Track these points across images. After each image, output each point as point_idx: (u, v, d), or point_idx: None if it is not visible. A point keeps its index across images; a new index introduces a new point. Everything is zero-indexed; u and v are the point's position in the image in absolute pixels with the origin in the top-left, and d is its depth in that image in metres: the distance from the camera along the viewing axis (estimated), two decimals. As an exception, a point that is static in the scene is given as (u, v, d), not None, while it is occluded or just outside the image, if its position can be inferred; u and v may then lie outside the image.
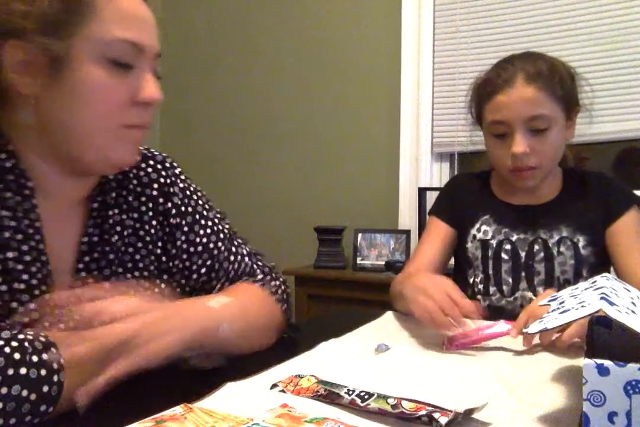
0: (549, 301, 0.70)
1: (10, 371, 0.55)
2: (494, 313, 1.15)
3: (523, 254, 1.18)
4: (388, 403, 0.57)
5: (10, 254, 0.69)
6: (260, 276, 0.93)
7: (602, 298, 0.57)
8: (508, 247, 1.19)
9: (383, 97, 2.56)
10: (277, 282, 0.93)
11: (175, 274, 0.89)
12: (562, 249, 1.16)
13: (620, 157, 2.38)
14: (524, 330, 0.62)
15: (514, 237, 1.19)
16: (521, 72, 1.11)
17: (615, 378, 0.50)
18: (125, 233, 0.83)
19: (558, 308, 0.64)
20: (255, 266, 0.96)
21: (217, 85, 2.91)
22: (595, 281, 0.68)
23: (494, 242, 1.20)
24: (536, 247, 1.17)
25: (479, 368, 0.77)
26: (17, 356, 0.56)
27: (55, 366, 0.58)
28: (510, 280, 1.18)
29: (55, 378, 0.58)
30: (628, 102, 2.16)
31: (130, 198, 0.84)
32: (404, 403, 0.57)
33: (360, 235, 2.47)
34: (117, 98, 0.71)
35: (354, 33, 2.61)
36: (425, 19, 2.46)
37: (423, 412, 0.55)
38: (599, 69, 2.17)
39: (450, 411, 0.55)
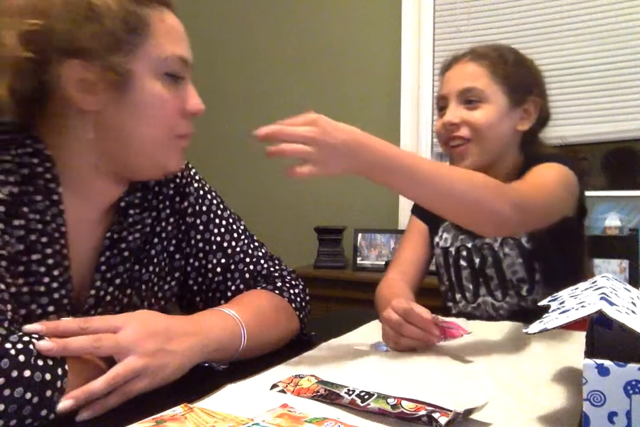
0: (549, 301, 0.70)
1: (14, 373, 0.54)
2: (465, 319, 1.13)
3: (477, 260, 1.17)
4: (388, 403, 0.57)
5: (34, 257, 0.70)
6: (279, 283, 0.92)
7: (602, 298, 0.57)
8: (465, 254, 1.19)
9: (383, 97, 2.56)
10: (296, 291, 0.92)
11: (190, 273, 0.91)
12: (506, 250, 1.13)
13: (608, 157, 2.37)
14: (524, 330, 0.61)
15: (469, 244, 1.18)
16: (470, 53, 1.16)
17: (615, 378, 0.50)
18: (142, 231, 0.84)
19: (558, 308, 0.64)
20: (272, 269, 0.94)
21: (216, 84, 2.90)
22: (595, 281, 0.68)
23: (452, 250, 1.20)
24: (485, 252, 1.16)
25: (479, 368, 0.77)
26: (21, 358, 0.56)
27: (60, 371, 0.58)
28: (471, 286, 1.18)
29: (59, 384, 0.57)
30: (625, 103, 2.16)
31: (149, 197, 0.86)
32: (404, 403, 0.57)
33: (360, 235, 2.47)
34: (173, 110, 0.75)
35: (354, 33, 2.61)
36: (425, 19, 2.46)
37: (423, 412, 0.55)
38: (598, 68, 2.17)
39: (450, 411, 0.55)
